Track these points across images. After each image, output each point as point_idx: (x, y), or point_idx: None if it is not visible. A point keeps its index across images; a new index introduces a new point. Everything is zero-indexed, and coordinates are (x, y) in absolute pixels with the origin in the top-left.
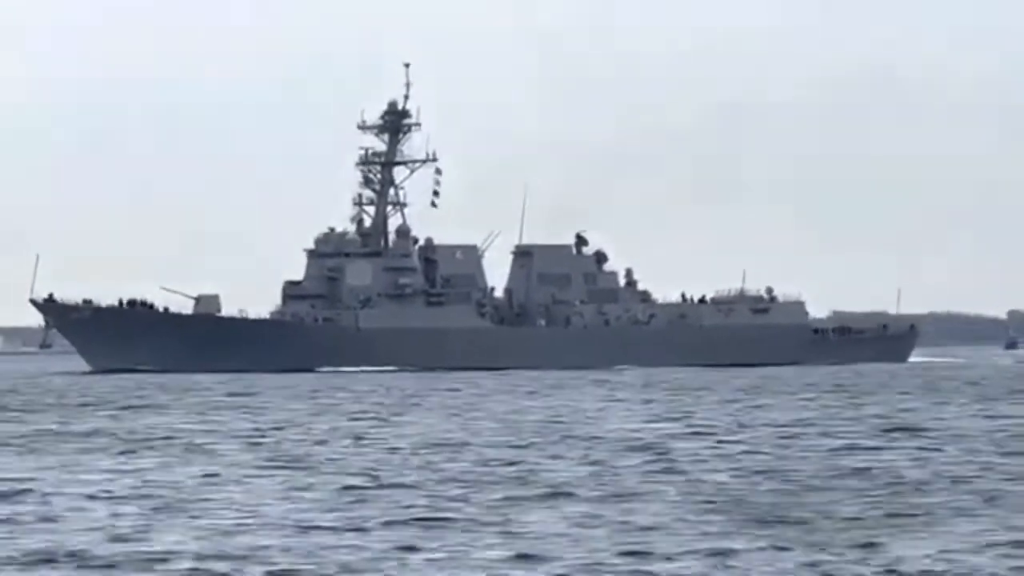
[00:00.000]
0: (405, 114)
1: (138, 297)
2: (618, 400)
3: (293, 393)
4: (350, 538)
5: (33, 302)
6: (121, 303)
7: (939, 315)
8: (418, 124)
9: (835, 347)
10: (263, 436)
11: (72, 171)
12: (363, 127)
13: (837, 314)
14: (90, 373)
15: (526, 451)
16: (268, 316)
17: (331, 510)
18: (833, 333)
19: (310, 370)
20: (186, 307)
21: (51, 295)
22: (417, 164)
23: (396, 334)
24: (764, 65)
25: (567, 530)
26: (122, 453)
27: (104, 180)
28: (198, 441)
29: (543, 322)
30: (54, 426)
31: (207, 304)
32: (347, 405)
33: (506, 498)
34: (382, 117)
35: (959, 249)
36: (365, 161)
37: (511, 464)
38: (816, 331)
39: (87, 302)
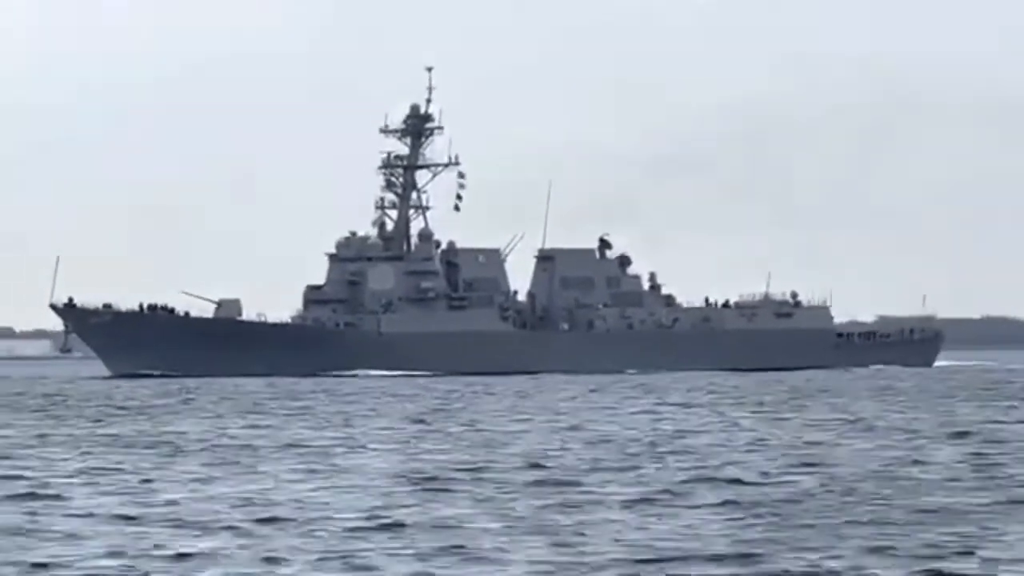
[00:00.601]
0: (428, 118)
1: (159, 301)
2: (648, 401)
3: (338, 396)
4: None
5: (53, 307)
6: (141, 307)
7: (993, 319)
8: (440, 128)
9: (860, 352)
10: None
11: (91, 175)
12: (386, 131)
13: (883, 319)
14: (113, 377)
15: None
16: (289, 320)
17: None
18: (858, 338)
19: (331, 374)
20: (207, 311)
21: (71, 299)
22: (439, 168)
23: (418, 338)
24: (785, 67)
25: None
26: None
27: (124, 184)
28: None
29: (566, 326)
30: (133, 432)
31: (228, 308)
32: (398, 406)
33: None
34: (405, 121)
35: (990, 251)
36: (387, 165)
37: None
38: (840, 335)
39: (107, 306)
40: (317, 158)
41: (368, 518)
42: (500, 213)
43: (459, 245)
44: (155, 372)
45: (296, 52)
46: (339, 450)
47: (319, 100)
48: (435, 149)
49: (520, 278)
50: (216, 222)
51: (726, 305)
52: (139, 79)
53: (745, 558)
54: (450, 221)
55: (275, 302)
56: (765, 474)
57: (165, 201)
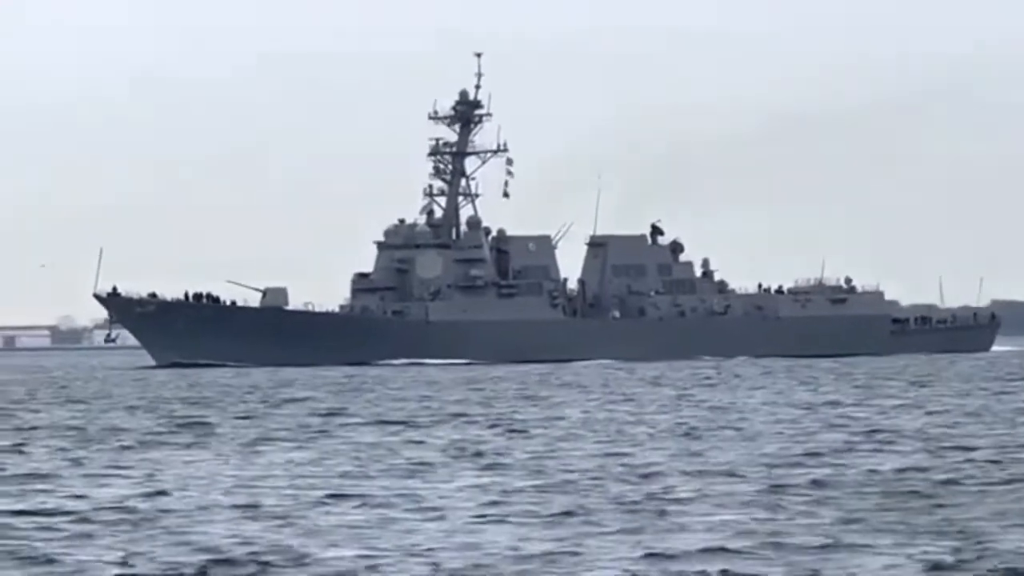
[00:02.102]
0: (476, 104)
1: (204, 290)
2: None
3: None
4: None
5: (97, 296)
6: (187, 296)
7: None
8: (489, 114)
9: (915, 337)
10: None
11: (140, 165)
12: (435, 117)
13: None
14: (163, 367)
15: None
16: (337, 309)
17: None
18: (914, 323)
19: (376, 363)
20: (253, 300)
21: (115, 288)
22: (488, 154)
23: (466, 326)
24: (838, 59)
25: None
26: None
27: (171, 174)
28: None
29: (617, 314)
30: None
31: (274, 297)
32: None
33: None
34: (453, 107)
35: None
36: (436, 151)
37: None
38: (895, 321)
39: (152, 296)
40: (366, 145)
41: None
42: (551, 200)
43: (509, 232)
44: (203, 362)
45: (345, 39)
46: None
47: (367, 87)
48: (484, 136)
49: (571, 265)
50: (263, 211)
51: (779, 291)
52: (190, 71)
53: None
54: (501, 208)
55: (324, 290)
56: None
57: (211, 189)
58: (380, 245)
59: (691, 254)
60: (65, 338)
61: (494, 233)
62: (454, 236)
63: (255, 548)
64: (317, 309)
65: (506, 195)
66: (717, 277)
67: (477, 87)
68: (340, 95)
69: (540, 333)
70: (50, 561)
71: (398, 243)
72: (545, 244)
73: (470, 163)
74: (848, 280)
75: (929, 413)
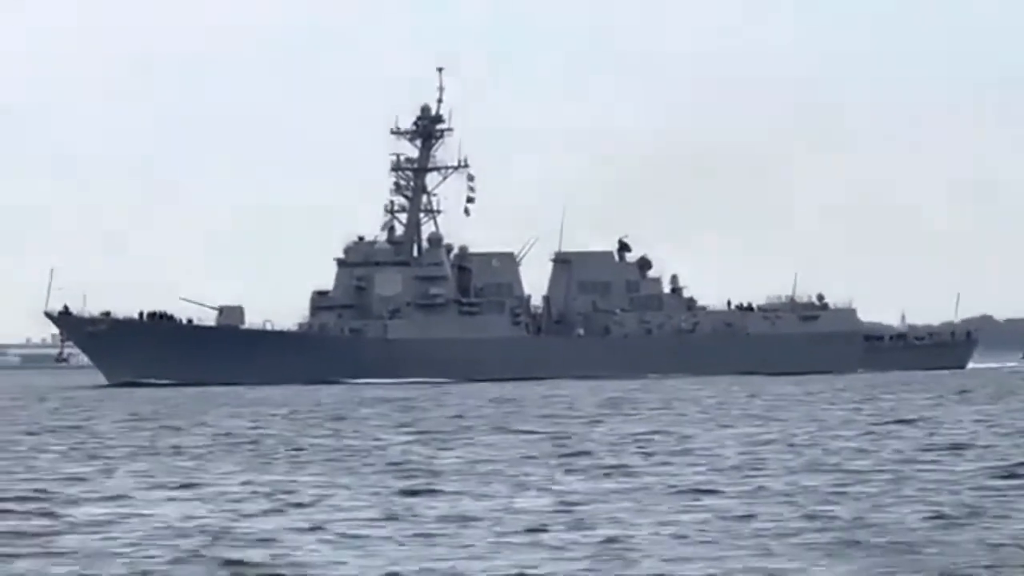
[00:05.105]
0: (438, 119)
1: (159, 309)
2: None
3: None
4: None
5: (48, 315)
6: (141, 315)
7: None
8: (451, 129)
9: (889, 355)
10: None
11: (98, 178)
12: (397, 132)
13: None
14: (110, 386)
15: None
16: (296, 327)
17: None
18: (888, 340)
19: (336, 382)
20: (209, 319)
21: (66, 307)
22: (449, 170)
23: (426, 345)
24: (813, 69)
25: None
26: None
27: (127, 186)
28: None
29: (581, 331)
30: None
31: (230, 315)
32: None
33: None
34: (415, 122)
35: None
36: (397, 167)
37: None
38: (868, 338)
39: (106, 314)
40: (327, 161)
41: None
42: (516, 216)
43: (473, 249)
44: (157, 381)
45: (306, 53)
46: None
47: (330, 101)
48: (446, 151)
49: (538, 283)
50: (222, 225)
51: (749, 308)
52: (145, 81)
53: None
54: (465, 225)
55: (282, 308)
56: None
57: (167, 201)
58: (340, 262)
59: (660, 270)
60: None
61: (456, 250)
62: (415, 253)
63: None
64: (275, 327)
65: (466, 212)
66: (686, 294)
67: (439, 101)
68: (302, 108)
69: (502, 351)
70: None
71: (358, 260)
72: (508, 261)
73: (431, 179)
74: (820, 297)
75: None
